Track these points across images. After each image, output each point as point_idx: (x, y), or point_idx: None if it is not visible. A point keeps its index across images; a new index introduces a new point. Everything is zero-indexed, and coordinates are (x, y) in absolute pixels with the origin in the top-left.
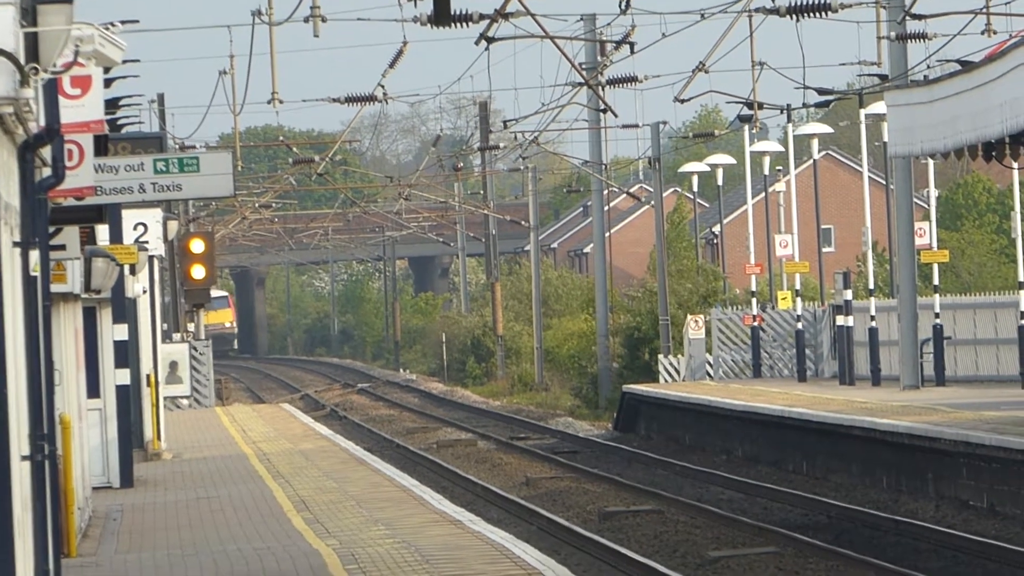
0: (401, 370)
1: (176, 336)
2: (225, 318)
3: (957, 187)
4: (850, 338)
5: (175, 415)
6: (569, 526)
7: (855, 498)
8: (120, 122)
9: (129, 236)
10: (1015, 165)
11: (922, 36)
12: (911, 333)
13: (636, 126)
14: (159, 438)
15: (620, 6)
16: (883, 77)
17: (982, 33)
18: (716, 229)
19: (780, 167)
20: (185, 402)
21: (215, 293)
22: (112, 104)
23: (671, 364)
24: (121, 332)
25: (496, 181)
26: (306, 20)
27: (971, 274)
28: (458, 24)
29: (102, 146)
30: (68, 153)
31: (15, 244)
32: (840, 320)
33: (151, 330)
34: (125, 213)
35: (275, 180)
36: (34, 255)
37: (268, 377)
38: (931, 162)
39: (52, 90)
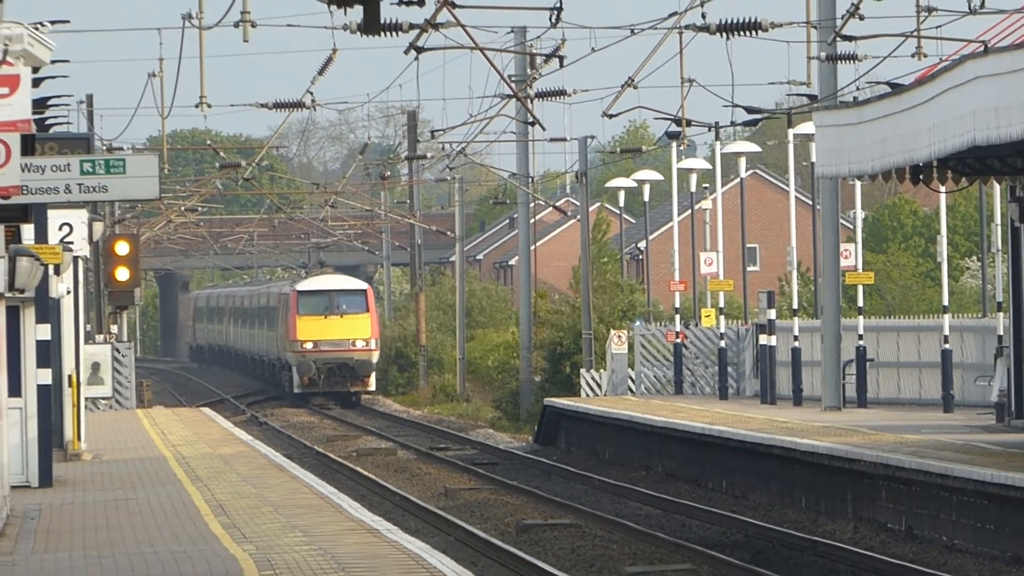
0: None
1: (99, 337)
2: (357, 331)
3: (884, 209)
4: (773, 357)
5: (95, 416)
6: (486, 538)
7: (773, 517)
8: (48, 122)
9: (54, 236)
10: (942, 189)
11: (852, 57)
12: (834, 354)
13: (564, 140)
14: (79, 439)
15: (550, 19)
16: (812, 97)
17: (912, 56)
18: (642, 245)
19: (707, 185)
20: (104, 403)
21: (343, 283)
22: (40, 104)
23: (593, 378)
24: (44, 332)
25: (423, 191)
26: (236, 25)
27: (896, 297)
28: (388, 33)
29: (29, 146)
30: None
31: None
32: (763, 339)
33: (74, 331)
34: (50, 213)
35: (201, 184)
36: None
37: (190, 381)
38: (858, 183)
39: None
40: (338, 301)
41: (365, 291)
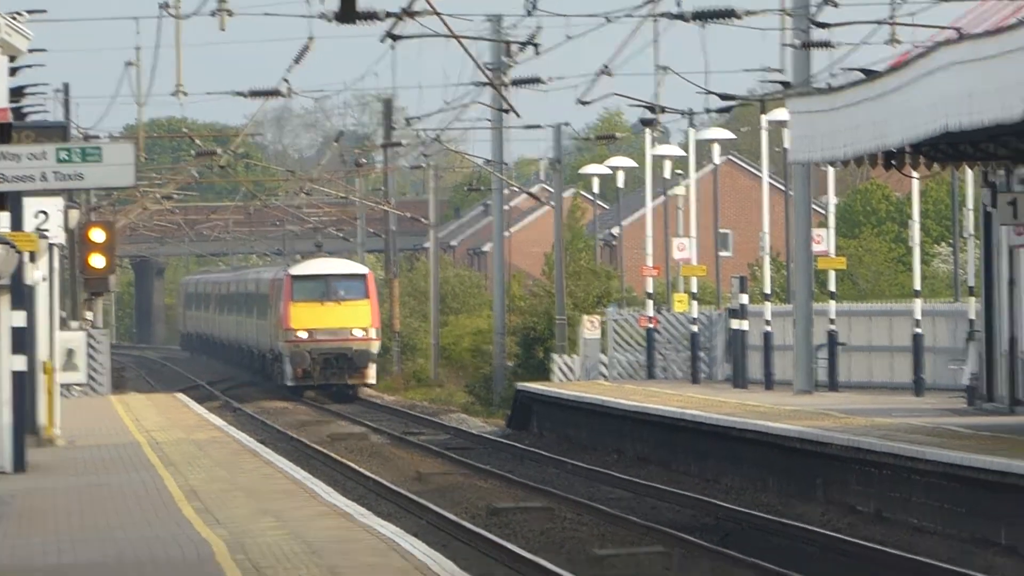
0: None
1: (74, 324)
2: (356, 319)
3: (856, 195)
4: (744, 342)
5: (70, 402)
6: (458, 521)
7: (744, 500)
8: (24, 110)
9: (30, 223)
10: (915, 174)
11: (826, 44)
12: (805, 338)
13: (539, 127)
14: (53, 424)
15: (526, 7)
16: (786, 84)
17: (886, 43)
18: (615, 231)
19: (681, 171)
20: (78, 390)
21: (341, 267)
22: (17, 92)
23: (565, 364)
24: (19, 319)
25: (398, 178)
26: (213, 14)
27: (868, 282)
28: (364, 21)
29: (5, 134)
30: None
31: None
32: (735, 324)
33: (49, 317)
34: (26, 200)
35: (177, 171)
36: None
37: (164, 367)
38: (831, 169)
39: None
40: (336, 287)
41: (365, 276)
